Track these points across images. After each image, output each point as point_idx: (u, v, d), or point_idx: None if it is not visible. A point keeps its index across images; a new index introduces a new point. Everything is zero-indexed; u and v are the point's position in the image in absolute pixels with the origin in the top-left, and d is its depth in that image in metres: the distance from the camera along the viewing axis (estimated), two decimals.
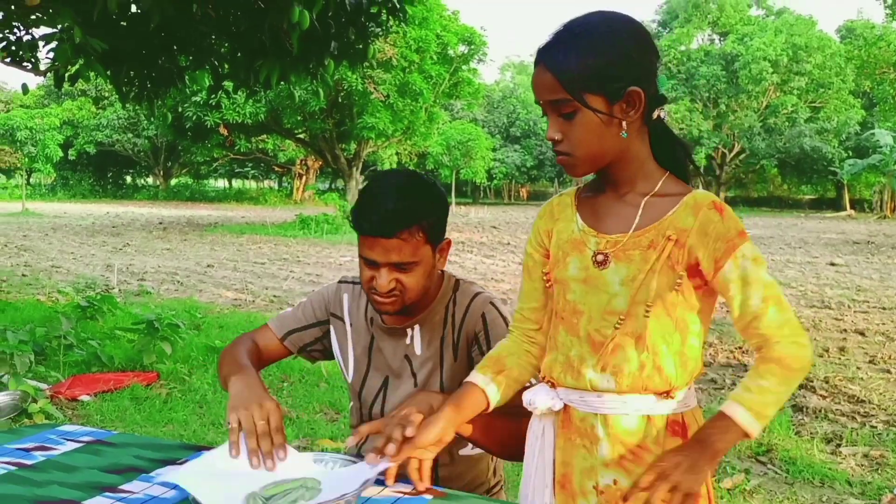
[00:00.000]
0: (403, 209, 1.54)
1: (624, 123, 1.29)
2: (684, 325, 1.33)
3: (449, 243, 1.69)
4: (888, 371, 5.75)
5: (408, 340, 1.74)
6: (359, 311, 1.80)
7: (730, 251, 1.27)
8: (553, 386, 1.41)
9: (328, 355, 1.87)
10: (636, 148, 1.33)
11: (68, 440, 1.59)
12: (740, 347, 6.41)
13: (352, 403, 1.86)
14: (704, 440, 1.29)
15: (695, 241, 1.28)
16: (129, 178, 52.66)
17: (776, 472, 3.72)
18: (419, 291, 1.62)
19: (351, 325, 1.81)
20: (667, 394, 1.33)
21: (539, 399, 1.39)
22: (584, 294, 1.35)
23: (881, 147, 35.77)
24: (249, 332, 1.87)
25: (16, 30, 5.03)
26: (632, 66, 1.28)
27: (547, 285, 1.44)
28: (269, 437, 1.42)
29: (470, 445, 1.70)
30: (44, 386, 4.58)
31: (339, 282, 1.86)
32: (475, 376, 1.46)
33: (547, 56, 1.28)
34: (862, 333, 7.21)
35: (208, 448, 1.51)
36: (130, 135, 43.60)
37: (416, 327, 1.73)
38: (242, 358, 1.69)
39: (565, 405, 1.39)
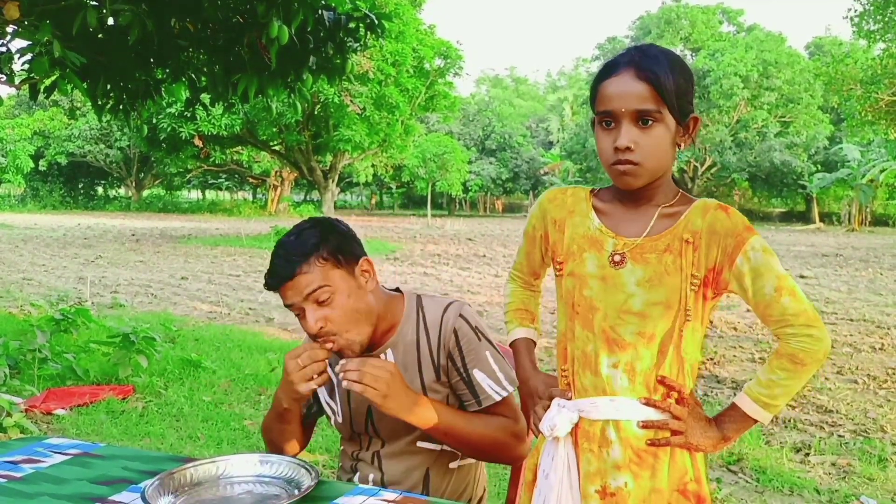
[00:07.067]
0: (295, 248, 1.61)
1: (681, 143, 1.40)
2: (693, 330, 1.41)
3: (369, 262, 1.71)
4: (855, 382, 5.88)
5: None
6: None
7: (740, 245, 1.35)
8: (568, 390, 1.48)
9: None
10: (670, 167, 1.43)
11: (56, 452, 1.62)
12: (711, 359, 6.52)
13: (342, 447, 1.88)
14: (717, 427, 1.42)
15: (707, 240, 1.37)
16: (100, 190, 52.05)
17: (747, 481, 3.81)
18: (353, 319, 1.64)
19: (329, 364, 1.77)
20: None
21: (560, 422, 1.45)
22: (601, 291, 1.42)
23: (849, 161, 36.49)
24: None
25: None
26: (693, 96, 1.40)
27: (558, 273, 1.52)
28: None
29: (459, 458, 1.76)
30: (18, 400, 4.54)
31: None
32: (521, 330, 1.66)
33: (643, 66, 1.34)
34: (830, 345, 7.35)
35: (195, 460, 1.55)
36: (102, 145, 43.18)
37: (389, 351, 1.74)
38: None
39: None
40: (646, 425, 1.40)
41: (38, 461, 1.56)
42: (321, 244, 1.62)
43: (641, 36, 45.78)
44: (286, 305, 1.63)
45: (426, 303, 1.77)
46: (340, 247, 1.65)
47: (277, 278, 1.61)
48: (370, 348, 1.72)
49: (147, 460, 1.59)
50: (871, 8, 16.44)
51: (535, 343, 1.68)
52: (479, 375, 1.69)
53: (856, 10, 16.81)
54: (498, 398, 1.70)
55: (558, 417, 1.44)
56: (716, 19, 45.12)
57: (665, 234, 1.40)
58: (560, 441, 1.46)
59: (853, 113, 20.38)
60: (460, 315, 1.71)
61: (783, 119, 39.58)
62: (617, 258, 1.41)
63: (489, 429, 1.69)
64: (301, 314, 1.63)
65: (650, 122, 1.34)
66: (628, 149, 1.35)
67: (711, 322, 1.49)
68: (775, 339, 1.40)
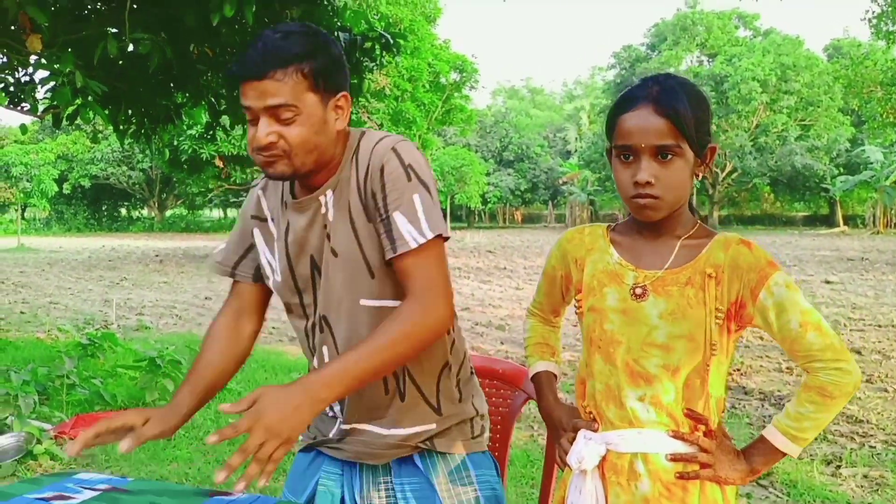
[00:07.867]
0: (276, 48, 1.41)
1: (699, 173, 1.41)
2: (718, 363, 1.40)
3: (347, 99, 1.51)
4: (885, 390, 5.79)
5: (323, 209, 1.55)
6: (277, 198, 1.66)
7: (763, 280, 1.35)
8: (595, 421, 1.47)
9: None
10: (688, 197, 1.44)
11: (85, 488, 1.63)
12: (738, 369, 6.45)
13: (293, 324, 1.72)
14: (746, 459, 1.41)
15: (730, 275, 1.37)
16: (124, 211, 52.63)
17: (778, 496, 3.75)
18: (306, 148, 1.45)
19: (272, 219, 1.66)
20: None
21: (587, 455, 1.44)
22: (623, 325, 1.42)
23: (872, 163, 36.10)
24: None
25: (16, 72, 5.11)
26: (711, 125, 1.40)
27: (578, 310, 1.53)
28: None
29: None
30: (48, 427, 4.58)
31: (254, 185, 1.74)
32: (542, 364, 1.68)
33: (661, 101, 1.35)
34: (858, 352, 7.25)
35: (223, 494, 1.55)
36: (125, 167, 43.74)
37: (329, 193, 1.54)
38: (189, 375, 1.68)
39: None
40: (674, 458, 1.39)
41: (69, 497, 1.58)
42: (306, 58, 1.42)
43: (657, 43, 45.71)
44: (242, 105, 1.46)
45: (367, 134, 1.57)
46: (326, 70, 1.45)
47: (245, 71, 1.42)
48: (311, 189, 1.55)
49: (174, 494, 1.60)
50: (890, 9, 16.30)
51: (556, 376, 1.69)
52: (398, 218, 1.45)
53: (874, 12, 16.69)
54: (414, 245, 1.44)
55: (585, 450, 1.44)
56: (731, 24, 44.96)
57: (686, 266, 1.40)
58: (588, 474, 1.45)
59: (874, 115, 20.21)
60: (393, 149, 1.49)
61: (803, 122, 39.28)
62: (638, 291, 1.42)
63: (396, 335, 1.41)
64: (254, 120, 1.45)
65: (670, 157, 1.35)
66: (648, 183, 1.36)
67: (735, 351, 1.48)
68: (803, 371, 1.39)
